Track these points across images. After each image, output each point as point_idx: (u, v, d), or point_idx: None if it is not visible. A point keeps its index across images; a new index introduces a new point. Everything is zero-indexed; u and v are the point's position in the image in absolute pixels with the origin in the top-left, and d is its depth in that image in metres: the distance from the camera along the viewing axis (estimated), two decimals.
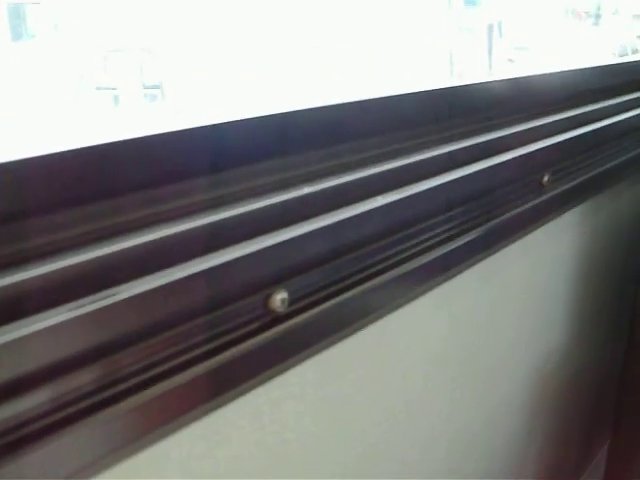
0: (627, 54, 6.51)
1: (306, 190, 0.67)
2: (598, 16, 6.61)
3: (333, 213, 0.69)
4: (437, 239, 0.84)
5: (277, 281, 0.64)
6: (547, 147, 1.03)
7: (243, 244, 0.62)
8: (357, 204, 0.73)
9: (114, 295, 0.54)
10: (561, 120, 1.12)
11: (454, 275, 0.90)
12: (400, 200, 0.75)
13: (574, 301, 1.29)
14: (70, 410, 0.52)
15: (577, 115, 1.18)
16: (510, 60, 6.28)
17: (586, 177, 1.16)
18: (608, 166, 1.25)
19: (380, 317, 0.78)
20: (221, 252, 0.60)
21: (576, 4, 6.58)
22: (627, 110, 1.34)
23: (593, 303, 1.38)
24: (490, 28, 6.07)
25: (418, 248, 0.82)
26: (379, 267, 0.76)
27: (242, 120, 0.63)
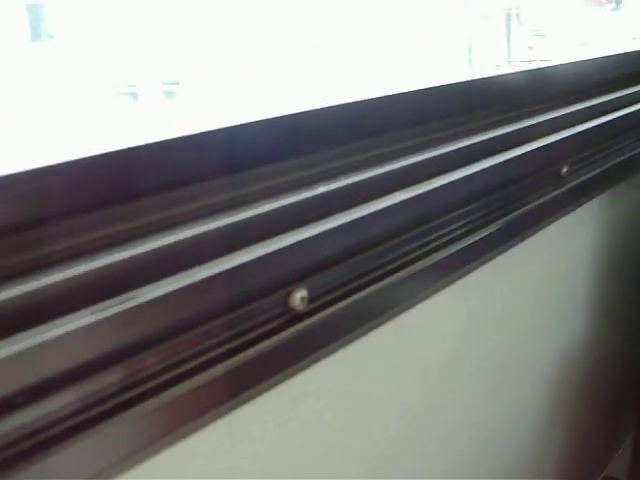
0: None
1: (322, 189, 0.67)
2: (619, 1, 6.53)
3: (351, 211, 0.69)
4: (455, 234, 0.84)
5: (297, 280, 0.65)
6: (565, 138, 1.03)
7: (262, 244, 0.62)
8: (374, 201, 0.73)
9: (136, 297, 0.55)
10: (579, 111, 1.11)
11: (472, 270, 0.90)
12: (417, 196, 0.76)
13: (593, 294, 1.29)
14: (95, 411, 0.53)
15: (595, 105, 1.17)
16: (530, 47, 6.22)
17: (604, 168, 1.15)
18: (626, 156, 1.24)
19: (399, 313, 0.79)
20: (240, 252, 0.61)
21: None
22: None
23: (613, 296, 1.37)
24: (508, 15, 6.02)
25: (437, 243, 0.82)
26: (397, 263, 0.77)
27: (258, 121, 0.63)
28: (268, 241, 0.63)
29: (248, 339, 0.63)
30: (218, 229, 0.60)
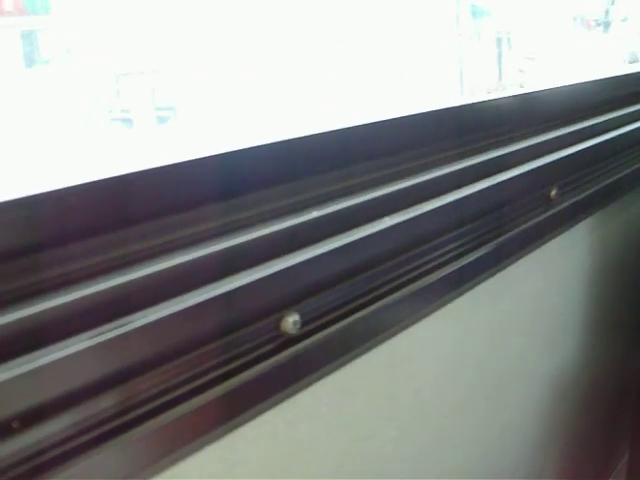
0: (637, 61, 6.49)
1: (315, 214, 0.68)
2: (607, 24, 6.60)
3: (343, 235, 0.71)
4: (447, 256, 0.85)
5: (289, 304, 0.66)
6: (554, 161, 1.04)
7: (254, 269, 0.63)
8: (366, 225, 0.74)
9: (130, 323, 0.55)
10: (568, 134, 1.13)
11: (466, 291, 0.91)
12: (408, 220, 0.77)
13: (586, 313, 1.30)
14: (90, 435, 0.54)
15: (584, 128, 1.19)
16: (520, 70, 6.28)
17: (594, 189, 1.17)
18: (616, 177, 1.25)
19: (392, 335, 0.79)
20: (233, 277, 0.62)
21: (585, 12, 6.57)
22: (635, 121, 1.35)
23: (606, 315, 1.38)
24: (499, 39, 6.08)
25: (429, 266, 0.83)
26: (390, 286, 0.78)
27: (250, 148, 0.65)
28: (261, 266, 0.64)
29: (241, 363, 0.63)
30: (211, 255, 0.61)
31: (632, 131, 1.35)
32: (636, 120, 1.35)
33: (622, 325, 1.47)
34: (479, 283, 0.94)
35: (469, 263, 0.89)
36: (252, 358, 0.64)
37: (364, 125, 0.77)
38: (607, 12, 6.59)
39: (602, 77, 1.32)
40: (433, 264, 0.84)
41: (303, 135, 0.69)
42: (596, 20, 6.44)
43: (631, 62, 6.80)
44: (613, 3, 6.55)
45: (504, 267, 0.96)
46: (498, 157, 0.95)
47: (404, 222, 0.77)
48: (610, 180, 1.24)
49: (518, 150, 0.99)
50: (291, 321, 0.65)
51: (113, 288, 0.56)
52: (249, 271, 0.63)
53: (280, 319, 0.65)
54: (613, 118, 1.28)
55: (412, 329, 0.83)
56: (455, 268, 0.87)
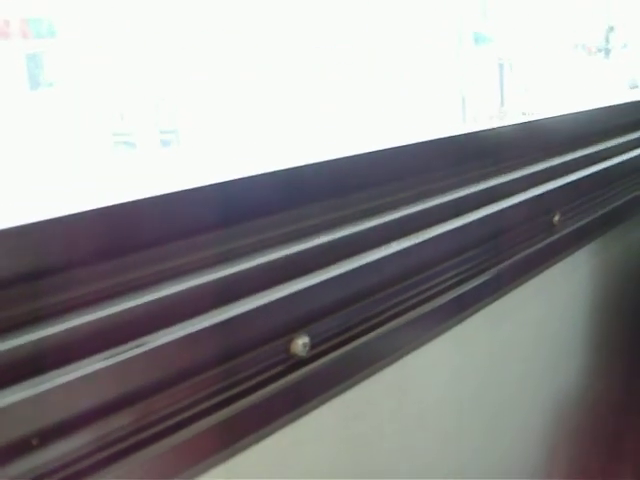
0: (637, 86, 6.56)
1: (323, 239, 0.70)
2: (608, 50, 6.67)
3: (350, 260, 0.72)
4: (450, 282, 0.87)
5: (299, 327, 0.67)
6: (557, 188, 1.06)
7: (265, 292, 0.65)
8: (373, 250, 0.76)
9: (144, 345, 0.57)
10: (570, 160, 1.15)
11: (468, 316, 0.92)
12: (413, 246, 0.78)
13: (589, 339, 1.31)
14: (101, 455, 0.55)
15: (586, 155, 1.20)
16: (522, 95, 6.35)
17: (596, 215, 1.18)
18: (618, 203, 1.27)
19: (397, 359, 0.80)
20: (245, 301, 0.63)
21: (586, 39, 6.65)
22: (635, 148, 1.37)
23: (608, 340, 1.39)
24: (501, 65, 6.15)
25: (432, 291, 0.84)
26: (395, 310, 0.79)
27: (257, 175, 0.66)
28: (271, 290, 0.65)
29: (251, 385, 0.65)
30: (222, 278, 0.62)
31: (632, 158, 1.37)
32: (636, 147, 1.37)
33: (624, 350, 1.47)
34: (481, 309, 0.95)
35: (471, 289, 0.90)
36: (262, 380, 0.65)
37: (369, 153, 0.79)
38: (607, 39, 6.66)
39: (602, 105, 1.34)
40: (435, 290, 0.86)
41: (311, 162, 0.71)
42: (597, 47, 6.51)
43: (632, 87, 6.87)
44: (612, 30, 6.62)
45: (506, 293, 0.98)
46: (500, 185, 0.96)
47: (408, 248, 0.78)
48: (611, 206, 1.25)
49: (520, 177, 1.01)
50: (301, 343, 0.67)
51: (123, 312, 0.57)
52: (261, 294, 0.64)
53: (290, 341, 0.66)
54: (614, 146, 1.30)
55: (418, 352, 0.85)
56: (457, 294, 0.88)
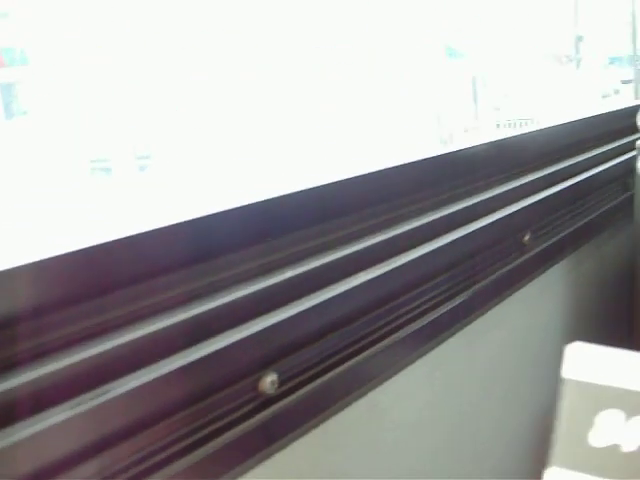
0: (609, 95, 6.64)
1: (290, 273, 0.69)
2: (579, 60, 6.75)
3: (318, 293, 0.71)
4: (423, 307, 0.86)
5: (266, 364, 0.66)
6: (527, 207, 1.06)
7: (232, 331, 0.64)
8: (341, 282, 0.75)
9: (108, 392, 0.56)
10: (540, 178, 1.15)
11: (443, 341, 0.92)
12: (383, 275, 0.78)
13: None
14: None
15: (556, 171, 1.21)
16: (496, 108, 6.39)
17: (568, 232, 1.19)
18: (590, 218, 1.27)
19: (370, 389, 0.80)
20: (211, 341, 0.62)
21: (556, 49, 6.72)
22: (606, 161, 1.38)
23: None
24: (474, 78, 6.19)
25: (404, 318, 0.84)
26: (367, 341, 0.78)
27: (223, 212, 0.66)
28: (238, 328, 0.64)
29: (220, 426, 0.64)
30: (187, 319, 0.61)
31: (604, 170, 1.37)
32: (607, 160, 1.38)
33: None
34: (455, 332, 0.94)
35: (445, 313, 0.90)
36: (232, 420, 0.64)
37: (335, 182, 0.78)
38: (577, 49, 6.74)
39: (571, 120, 1.35)
40: (408, 316, 0.85)
41: (276, 196, 0.70)
42: (568, 56, 6.58)
43: (604, 96, 6.95)
44: (581, 40, 6.70)
45: (480, 315, 0.97)
46: (469, 207, 0.96)
47: (378, 277, 0.78)
48: (584, 221, 1.26)
49: (491, 198, 1.01)
50: (269, 381, 0.66)
51: (89, 358, 0.56)
52: (227, 333, 0.64)
53: (258, 380, 0.65)
54: (584, 160, 1.30)
55: (390, 382, 0.84)
56: (432, 318, 0.88)
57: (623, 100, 6.54)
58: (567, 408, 0.29)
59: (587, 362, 0.29)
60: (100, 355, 0.56)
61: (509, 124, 5.81)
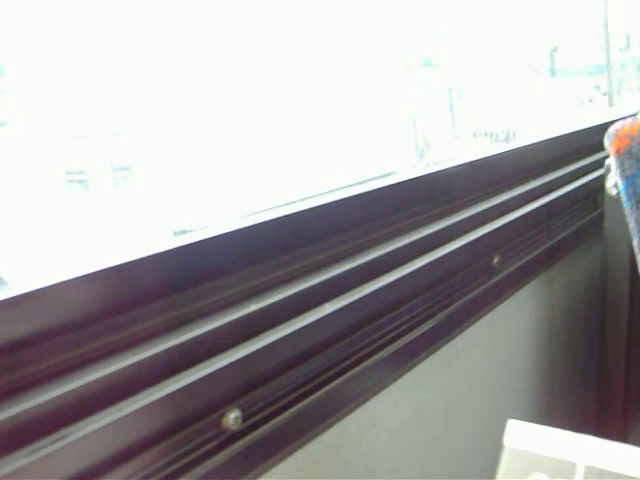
0: (584, 103, 6.70)
1: (253, 307, 0.69)
2: (553, 70, 6.81)
3: (281, 326, 0.71)
4: (392, 334, 0.86)
5: (230, 400, 0.66)
6: (495, 229, 1.06)
7: (195, 368, 0.63)
8: (310, 311, 0.75)
9: (70, 435, 0.55)
10: (509, 199, 1.15)
11: (415, 365, 0.92)
12: (350, 304, 0.78)
13: (539, 372, 1.31)
14: None
15: (524, 192, 1.21)
16: (473, 117, 6.42)
17: (538, 252, 1.19)
18: (560, 237, 1.28)
19: (340, 419, 0.79)
20: (173, 379, 0.62)
21: (532, 60, 6.77)
22: (575, 179, 1.39)
23: (557, 370, 1.39)
24: (450, 89, 6.23)
25: (377, 344, 0.83)
26: (338, 369, 0.78)
27: (181, 247, 0.65)
28: (200, 365, 0.64)
29: (186, 462, 0.63)
30: (149, 357, 0.61)
31: (574, 189, 1.38)
32: (576, 179, 1.39)
33: (572, 381, 1.48)
34: (428, 356, 0.94)
35: (416, 338, 0.90)
36: (196, 457, 0.64)
37: (298, 212, 0.78)
38: (552, 59, 6.80)
39: (541, 139, 1.36)
40: (382, 341, 0.85)
41: (233, 229, 0.70)
42: (543, 67, 6.63)
43: (580, 104, 7.02)
44: (556, 50, 6.76)
45: (453, 337, 0.97)
46: (439, 230, 0.96)
47: (348, 305, 0.78)
48: (554, 240, 1.26)
49: (460, 221, 1.01)
50: (232, 417, 0.65)
51: (49, 401, 0.55)
52: (190, 371, 0.63)
53: (221, 417, 0.65)
54: (553, 179, 1.31)
55: (362, 408, 0.84)
56: (403, 344, 0.88)
57: (597, 108, 6.61)
58: (503, 471, 0.31)
59: (524, 434, 0.31)
60: (60, 397, 0.56)
61: (485, 133, 5.85)
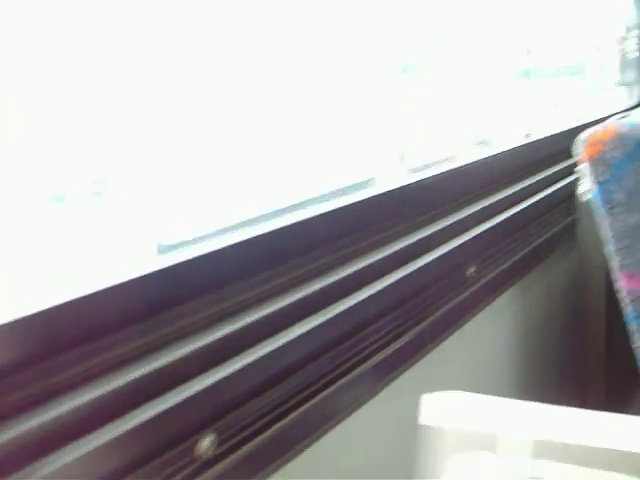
0: (561, 105, 6.75)
1: (221, 332, 0.68)
2: (528, 72, 6.86)
3: (253, 350, 0.71)
4: (367, 351, 0.86)
5: (204, 426, 0.65)
6: (469, 240, 1.06)
7: (166, 395, 0.63)
8: (280, 334, 0.74)
9: (43, 467, 0.54)
10: (482, 209, 1.15)
11: (392, 380, 0.91)
12: (317, 326, 0.77)
13: (517, 381, 1.31)
14: None
15: (499, 200, 1.21)
16: (452, 121, 6.45)
17: (513, 260, 1.19)
18: (535, 244, 1.28)
19: (318, 438, 0.79)
20: (144, 408, 0.61)
21: (508, 63, 6.81)
22: (547, 186, 1.39)
23: (536, 379, 1.40)
24: (430, 92, 6.23)
25: (350, 363, 0.83)
26: (311, 390, 0.77)
27: (147, 275, 0.65)
28: (172, 392, 0.63)
29: None
30: (117, 388, 0.60)
31: (549, 195, 1.39)
32: (548, 186, 1.39)
33: (553, 388, 1.48)
34: (405, 370, 0.94)
35: (393, 352, 0.90)
36: None
37: (271, 232, 0.78)
38: (527, 61, 6.84)
39: (511, 147, 1.36)
40: (357, 359, 0.84)
41: (201, 254, 0.69)
42: (519, 70, 6.67)
43: (556, 105, 7.08)
44: (530, 53, 6.81)
45: (427, 353, 0.97)
46: (412, 244, 0.96)
47: (319, 325, 0.77)
48: (529, 248, 1.27)
49: (433, 233, 1.01)
50: (207, 442, 0.65)
51: (20, 435, 0.55)
52: (161, 399, 0.63)
53: (196, 442, 0.64)
54: (525, 187, 1.31)
55: (340, 426, 0.83)
56: (379, 360, 0.88)
57: (573, 108, 6.65)
58: (424, 453, 0.30)
59: (444, 408, 0.30)
60: (28, 431, 0.55)
61: (466, 136, 5.85)
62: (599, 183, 1.05)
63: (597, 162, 1.04)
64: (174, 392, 0.64)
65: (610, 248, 1.08)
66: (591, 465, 0.28)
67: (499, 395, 1.25)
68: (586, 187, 1.17)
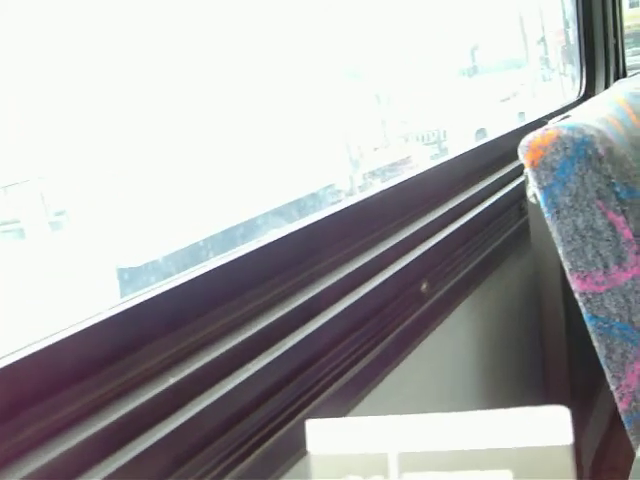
0: (509, 98, 6.84)
1: (172, 380, 0.67)
2: (475, 68, 6.93)
3: (210, 391, 0.69)
4: (324, 382, 0.84)
5: (173, 469, 0.64)
6: (421, 254, 1.06)
7: (122, 450, 0.62)
8: (234, 374, 0.73)
9: None
10: (432, 221, 1.15)
11: (353, 408, 0.90)
12: (272, 361, 0.76)
13: (484, 390, 1.31)
14: None
15: (448, 210, 1.21)
16: (404, 122, 6.48)
17: (469, 268, 1.19)
18: (489, 250, 1.28)
19: (278, 477, 0.77)
20: (106, 461, 0.60)
21: (454, 59, 6.87)
22: (497, 190, 1.39)
23: (501, 384, 1.40)
24: (377, 96, 6.26)
25: (307, 396, 0.82)
26: (269, 428, 0.76)
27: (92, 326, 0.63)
28: (126, 447, 0.62)
29: None
30: (70, 448, 0.59)
31: (500, 198, 1.39)
32: (498, 189, 1.40)
33: (515, 394, 1.48)
34: (371, 390, 0.93)
35: (352, 379, 0.89)
36: None
37: (221, 266, 0.77)
38: (473, 57, 6.92)
39: (458, 153, 1.37)
40: (313, 391, 0.83)
41: (144, 299, 0.68)
42: (466, 66, 6.74)
43: (504, 100, 7.17)
44: (477, 48, 6.88)
45: (388, 373, 0.96)
46: (363, 265, 0.95)
47: (271, 361, 0.76)
48: (484, 254, 1.27)
49: (382, 252, 1.00)
50: None
51: None
52: (116, 454, 0.61)
53: None
54: (474, 193, 1.31)
55: (301, 462, 0.82)
56: (338, 388, 0.87)
57: (521, 101, 6.75)
58: None
59: (328, 434, 0.29)
60: None
61: (417, 137, 5.90)
62: (543, 188, 1.05)
63: (540, 167, 1.04)
64: (128, 447, 0.62)
65: (561, 251, 1.08)
66: (462, 468, 0.28)
67: (466, 407, 1.25)
68: (532, 192, 1.17)
